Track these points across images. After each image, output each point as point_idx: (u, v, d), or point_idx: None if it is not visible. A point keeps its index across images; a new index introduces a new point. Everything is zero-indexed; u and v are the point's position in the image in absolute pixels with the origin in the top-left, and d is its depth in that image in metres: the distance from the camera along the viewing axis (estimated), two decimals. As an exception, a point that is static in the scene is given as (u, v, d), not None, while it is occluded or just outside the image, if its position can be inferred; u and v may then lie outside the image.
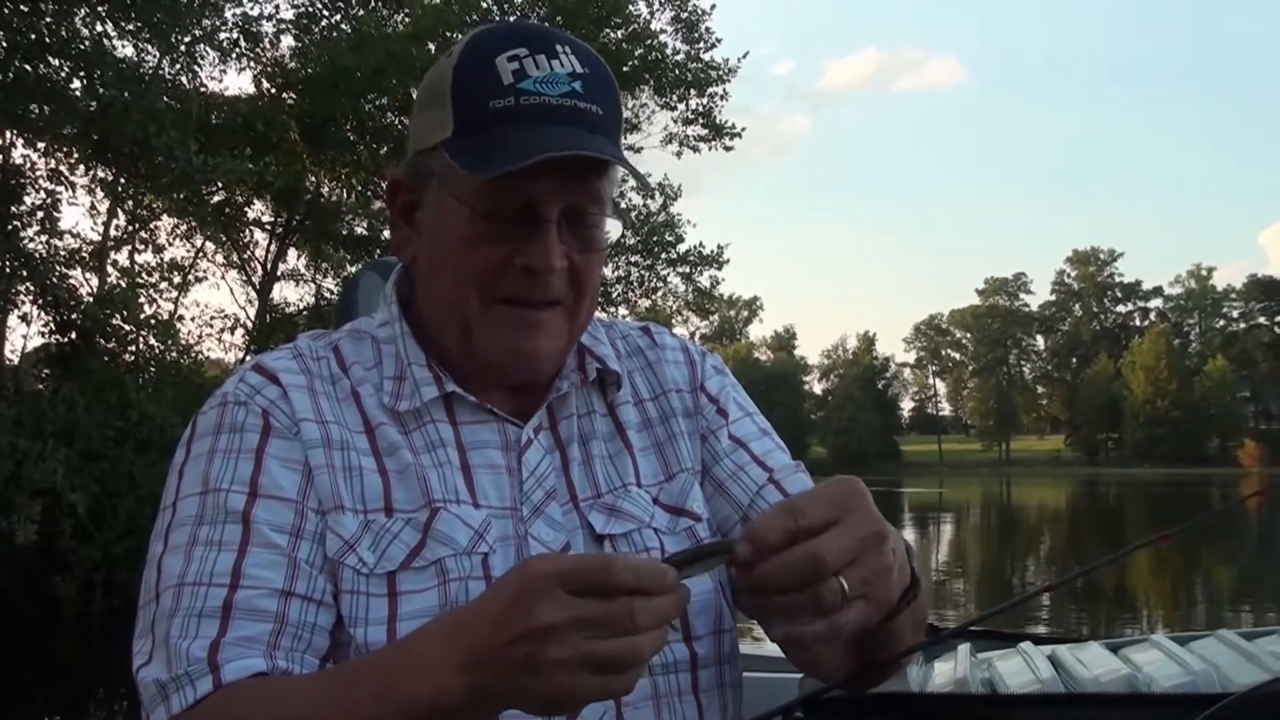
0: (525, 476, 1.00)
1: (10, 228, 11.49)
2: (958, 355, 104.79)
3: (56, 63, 12.04)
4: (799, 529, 0.80)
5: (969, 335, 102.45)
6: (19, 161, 12.96)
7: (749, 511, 1.07)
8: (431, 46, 16.42)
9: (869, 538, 0.82)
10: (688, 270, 23.67)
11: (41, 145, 12.98)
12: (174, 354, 13.84)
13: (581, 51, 0.98)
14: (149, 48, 13.36)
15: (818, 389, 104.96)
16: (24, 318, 12.78)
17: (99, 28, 12.35)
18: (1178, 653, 1.59)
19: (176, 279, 17.35)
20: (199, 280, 18.57)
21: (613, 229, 1.00)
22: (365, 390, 1.01)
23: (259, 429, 0.96)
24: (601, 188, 0.98)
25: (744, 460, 1.09)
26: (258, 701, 0.84)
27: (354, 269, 18.24)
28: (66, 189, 13.31)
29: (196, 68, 14.37)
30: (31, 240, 12.14)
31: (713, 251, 23.78)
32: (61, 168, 13.36)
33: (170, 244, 17.62)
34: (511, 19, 17.15)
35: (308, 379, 1.00)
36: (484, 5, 17.88)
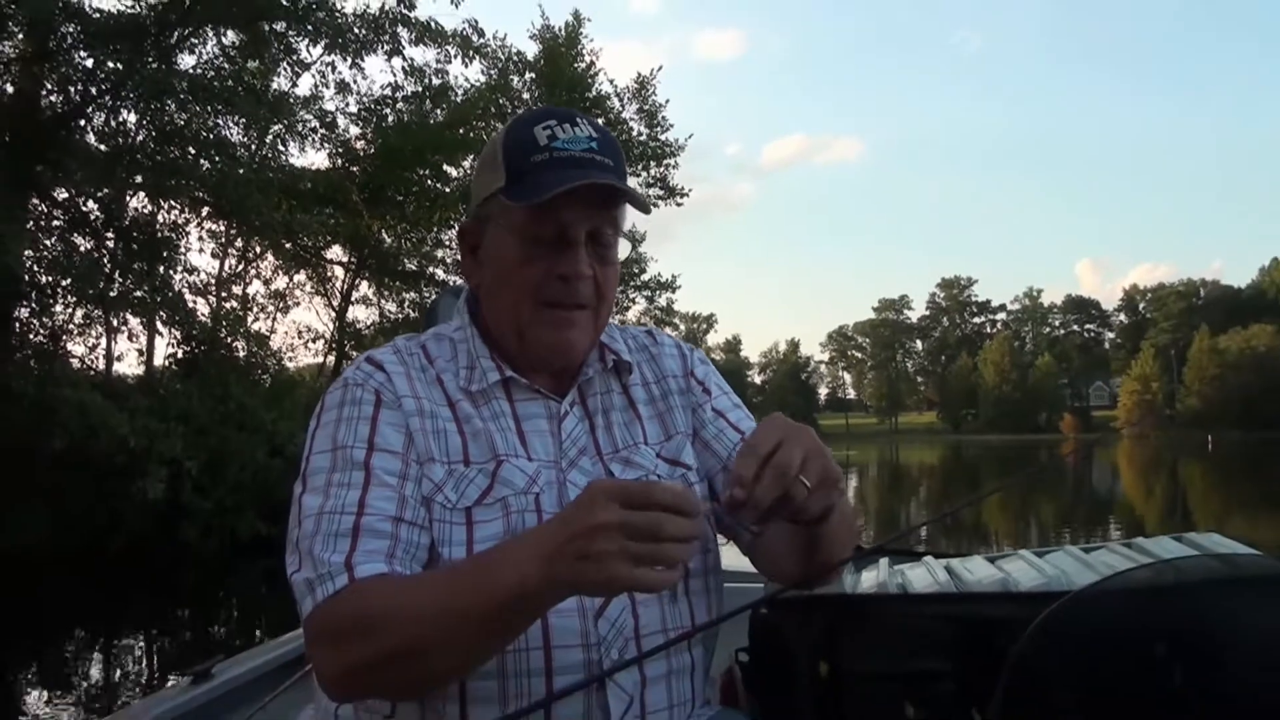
0: (564, 438, 1.01)
1: (159, 272, 11.83)
2: (860, 355, 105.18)
3: (183, 147, 12.20)
4: (760, 457, 0.82)
5: (868, 340, 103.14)
6: (159, 219, 13.17)
7: (727, 461, 1.08)
8: (462, 131, 16.41)
9: (811, 448, 0.84)
10: (649, 294, 23.91)
11: (165, 205, 13.14)
12: (267, 359, 13.97)
13: (595, 123, 1.00)
14: (253, 132, 13.45)
15: (757, 380, 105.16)
16: (159, 334, 13.16)
17: (216, 121, 12.55)
18: (1037, 562, 1.60)
19: (281, 304, 17.57)
20: (295, 305, 18.64)
21: (624, 248, 1.02)
22: (446, 376, 1.02)
23: (373, 402, 0.96)
24: (616, 216, 0.99)
25: (723, 426, 1.10)
26: (383, 592, 0.85)
27: (406, 295, 18.13)
28: (184, 239, 13.47)
29: (281, 147, 14.37)
30: (168, 279, 12.24)
31: (668, 279, 24.13)
32: (179, 221, 13.51)
33: (274, 278, 17.72)
34: (520, 110, 17.10)
35: (404, 368, 1.01)
36: (500, 101, 18.08)
